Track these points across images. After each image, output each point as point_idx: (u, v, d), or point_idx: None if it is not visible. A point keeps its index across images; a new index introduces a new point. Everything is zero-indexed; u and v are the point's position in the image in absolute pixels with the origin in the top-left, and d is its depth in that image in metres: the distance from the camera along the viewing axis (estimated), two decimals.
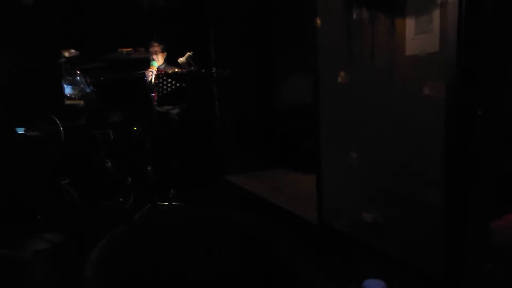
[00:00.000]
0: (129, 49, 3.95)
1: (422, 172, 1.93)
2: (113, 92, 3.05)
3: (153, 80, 3.05)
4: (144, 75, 2.98)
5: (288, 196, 3.66)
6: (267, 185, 4.08)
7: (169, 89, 3.03)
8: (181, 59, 3.44)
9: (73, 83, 3.09)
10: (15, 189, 2.70)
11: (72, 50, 3.73)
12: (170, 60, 3.70)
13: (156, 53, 3.62)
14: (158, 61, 3.60)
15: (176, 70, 3.22)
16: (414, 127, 1.95)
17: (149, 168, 3.29)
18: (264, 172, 4.55)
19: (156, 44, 3.64)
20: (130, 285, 1.04)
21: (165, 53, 3.69)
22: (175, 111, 3.61)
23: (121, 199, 3.39)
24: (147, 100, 3.14)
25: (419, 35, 1.82)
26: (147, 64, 3.60)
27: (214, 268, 1.21)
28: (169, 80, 3.00)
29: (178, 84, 3.05)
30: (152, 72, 3.24)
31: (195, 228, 1.27)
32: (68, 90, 3.05)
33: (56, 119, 2.55)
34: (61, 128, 2.58)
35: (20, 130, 2.66)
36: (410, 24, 1.87)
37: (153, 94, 3.11)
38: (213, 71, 4.21)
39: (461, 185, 1.77)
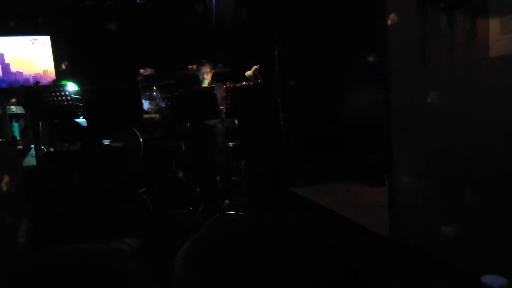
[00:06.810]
0: None
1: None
2: (185, 106, 3.23)
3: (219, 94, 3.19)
4: (213, 89, 3.11)
5: (354, 208, 3.55)
6: (332, 197, 3.99)
7: (237, 102, 3.13)
8: (248, 73, 3.54)
9: (150, 98, 3.34)
10: (101, 193, 2.97)
11: (148, 69, 4.04)
12: (215, 77, 3.97)
13: (207, 73, 3.86)
14: (208, 79, 3.88)
15: (244, 83, 3.32)
16: (499, 135, 1.80)
17: (217, 178, 3.41)
18: (329, 184, 4.47)
19: (207, 64, 3.90)
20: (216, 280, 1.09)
21: (212, 71, 3.95)
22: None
23: (191, 208, 3.53)
24: (215, 112, 3.27)
25: (505, 35, 1.70)
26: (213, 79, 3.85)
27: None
28: (238, 93, 3.10)
29: (246, 97, 3.14)
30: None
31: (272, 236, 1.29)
32: (145, 104, 3.30)
33: (137, 132, 2.76)
34: (141, 140, 2.79)
35: (106, 142, 2.94)
36: (494, 23, 1.75)
37: (222, 107, 3.23)
38: (277, 84, 4.28)
39: None
